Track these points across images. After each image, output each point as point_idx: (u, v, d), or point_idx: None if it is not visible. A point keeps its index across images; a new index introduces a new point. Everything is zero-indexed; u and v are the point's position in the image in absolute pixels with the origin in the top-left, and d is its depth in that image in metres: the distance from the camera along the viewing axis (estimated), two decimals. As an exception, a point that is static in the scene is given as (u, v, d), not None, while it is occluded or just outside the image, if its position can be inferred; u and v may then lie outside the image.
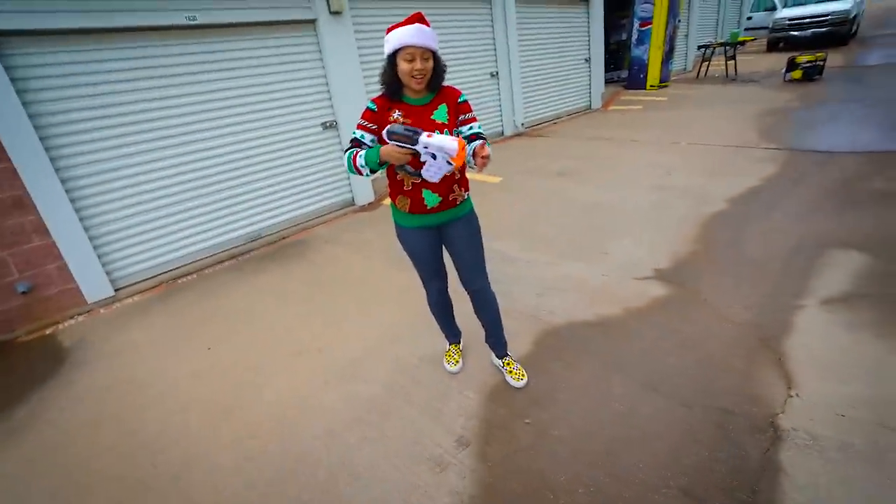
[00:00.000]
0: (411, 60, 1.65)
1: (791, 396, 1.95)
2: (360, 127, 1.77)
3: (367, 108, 1.77)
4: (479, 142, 1.73)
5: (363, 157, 1.69)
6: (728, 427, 1.86)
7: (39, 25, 3.12)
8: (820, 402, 1.91)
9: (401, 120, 1.73)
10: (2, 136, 3.05)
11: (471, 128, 1.85)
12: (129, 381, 2.66)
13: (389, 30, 1.69)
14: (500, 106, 7.35)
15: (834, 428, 1.78)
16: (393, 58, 1.68)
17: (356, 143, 1.77)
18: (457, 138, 1.53)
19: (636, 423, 1.95)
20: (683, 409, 1.98)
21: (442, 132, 1.75)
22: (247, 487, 1.90)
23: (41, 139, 3.23)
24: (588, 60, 8.96)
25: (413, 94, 1.76)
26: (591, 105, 9.30)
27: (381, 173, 1.85)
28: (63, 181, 3.37)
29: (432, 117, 1.76)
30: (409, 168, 1.71)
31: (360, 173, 1.74)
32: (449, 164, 1.56)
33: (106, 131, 3.56)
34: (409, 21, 1.66)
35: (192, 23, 3.79)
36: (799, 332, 2.33)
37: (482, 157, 1.63)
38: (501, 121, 7.47)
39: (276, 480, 1.91)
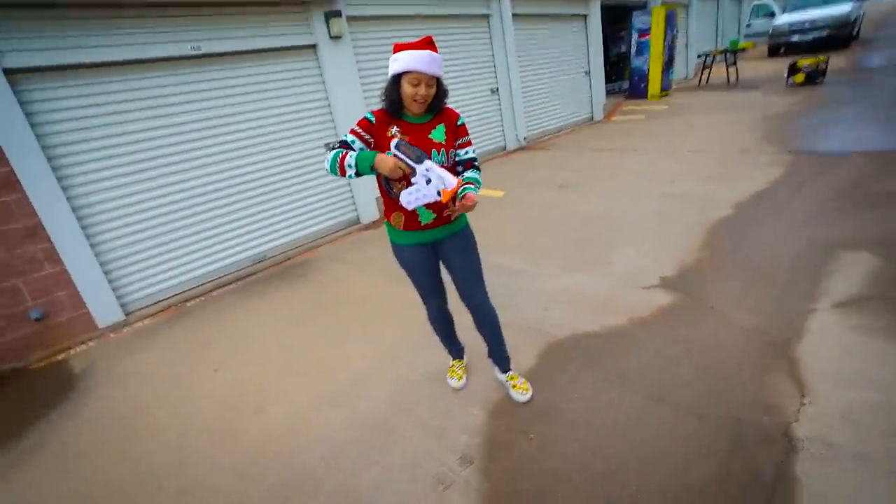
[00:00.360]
0: (416, 85, 1.67)
1: (804, 404, 1.89)
2: (353, 132, 1.75)
3: (366, 118, 1.77)
4: (471, 186, 1.74)
5: (354, 157, 1.66)
6: (740, 438, 1.80)
7: (51, 62, 3.26)
8: (834, 409, 1.84)
9: (398, 136, 1.74)
10: (16, 168, 3.15)
11: (466, 152, 1.88)
12: (134, 406, 2.68)
13: (398, 47, 1.69)
14: (501, 121, 7.42)
15: (849, 436, 1.71)
16: (398, 77, 1.69)
17: (345, 146, 1.74)
18: (457, 178, 1.60)
19: (644, 436, 1.90)
20: (693, 420, 1.93)
21: (439, 152, 1.77)
22: (250, 511, 1.88)
23: (53, 169, 3.33)
24: (588, 73, 9.04)
25: (413, 113, 1.78)
26: (593, 116, 9.35)
27: (375, 192, 1.86)
28: (75, 209, 3.46)
29: (430, 136, 1.78)
30: (393, 185, 1.73)
31: (343, 173, 1.69)
32: (438, 194, 1.61)
33: (115, 160, 3.66)
34: (420, 45, 1.66)
35: (196, 53, 3.93)
36: (810, 338, 2.27)
37: (464, 203, 1.65)
38: (503, 135, 7.53)
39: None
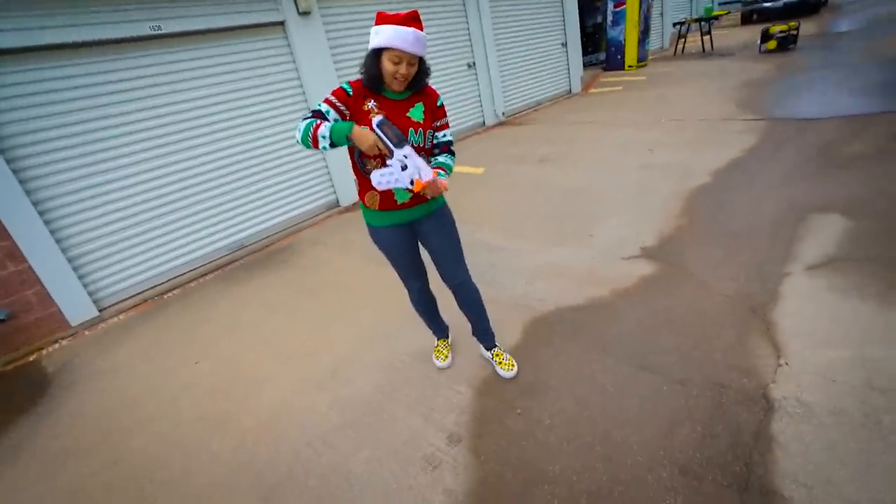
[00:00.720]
0: (397, 63, 1.58)
1: (781, 365, 1.94)
2: (327, 101, 1.65)
3: (342, 88, 1.66)
4: (442, 173, 1.70)
5: (329, 127, 1.57)
6: (721, 401, 1.84)
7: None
8: (809, 368, 1.90)
9: (375, 111, 1.65)
10: (-34, 163, 2.97)
11: (444, 135, 1.83)
12: (115, 402, 2.61)
13: (381, 18, 1.58)
14: (479, 96, 7.30)
15: (824, 393, 1.77)
16: (378, 52, 1.59)
17: (318, 115, 1.64)
18: (432, 170, 1.57)
19: (629, 404, 1.93)
20: (676, 386, 1.97)
21: (416, 131, 1.71)
22: (241, 500, 1.86)
23: (7, 161, 3.14)
24: (565, 45, 8.91)
25: (392, 89, 1.68)
26: (571, 89, 9.27)
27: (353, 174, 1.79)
28: (35, 203, 3.29)
29: (408, 114, 1.70)
30: (367, 161, 1.68)
31: (316, 145, 1.58)
32: (411, 183, 1.57)
33: (77, 149, 3.47)
34: (405, 20, 1.55)
35: (156, 33, 3.71)
36: (786, 300, 2.32)
37: (435, 187, 1.61)
38: (482, 111, 7.42)
39: (270, 490, 1.87)
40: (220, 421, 2.30)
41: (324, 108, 1.64)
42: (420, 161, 1.56)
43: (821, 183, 3.45)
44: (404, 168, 1.55)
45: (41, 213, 3.32)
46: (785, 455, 1.57)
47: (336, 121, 1.64)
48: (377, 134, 1.53)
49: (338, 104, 1.65)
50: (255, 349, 2.85)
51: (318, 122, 1.59)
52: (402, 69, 1.59)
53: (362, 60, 1.66)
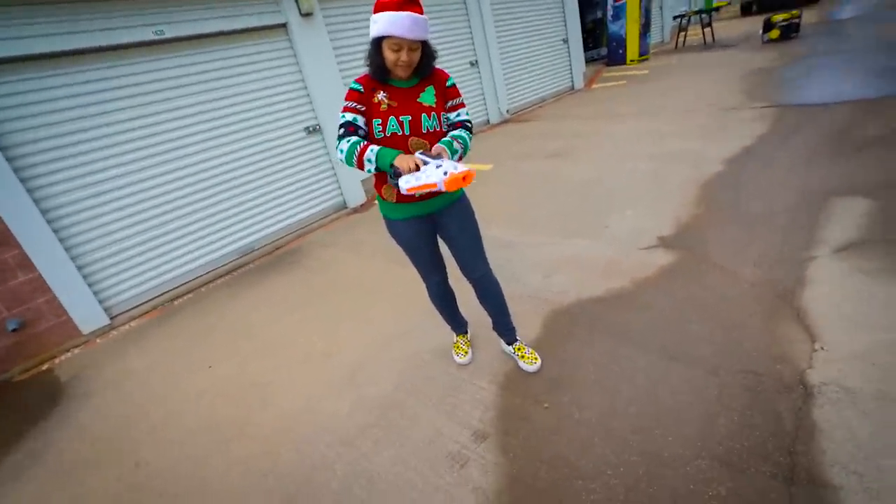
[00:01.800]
0: (397, 50, 1.53)
1: (816, 350, 1.88)
2: (347, 109, 1.63)
3: (352, 89, 1.64)
4: (461, 146, 1.68)
5: (376, 153, 1.56)
6: (756, 389, 1.78)
7: (2, 54, 3.01)
8: (846, 353, 1.83)
9: (386, 102, 1.62)
10: (-27, 173, 2.95)
11: (458, 114, 1.77)
12: (129, 410, 2.57)
13: (378, 6, 1.52)
14: (483, 94, 7.25)
15: (865, 378, 1.70)
16: (378, 40, 1.55)
17: (351, 128, 1.62)
18: (467, 169, 1.46)
19: (660, 395, 1.87)
20: (708, 375, 1.91)
21: (430, 115, 1.66)
22: (262, 505, 1.81)
23: (15, 170, 3.11)
24: (566, 41, 8.86)
25: (399, 77, 1.65)
26: (574, 85, 9.22)
27: (359, 175, 1.73)
28: (43, 212, 3.26)
29: (419, 100, 1.67)
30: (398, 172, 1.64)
31: (361, 167, 1.59)
32: (444, 174, 1.46)
33: (83, 157, 3.45)
34: (400, 5, 1.48)
35: (160, 37, 3.69)
36: (814, 284, 2.26)
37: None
38: (486, 109, 7.37)
39: (291, 496, 1.82)
40: (236, 427, 2.25)
41: (349, 117, 1.63)
42: (454, 164, 1.49)
43: (839, 166, 3.38)
44: (438, 167, 1.48)
45: (49, 222, 3.29)
46: (831, 443, 1.51)
47: (365, 123, 1.64)
48: (421, 159, 1.50)
49: (356, 106, 1.63)
50: (271, 352, 2.80)
51: (365, 143, 1.58)
52: (403, 56, 1.55)
53: (366, 53, 1.63)
